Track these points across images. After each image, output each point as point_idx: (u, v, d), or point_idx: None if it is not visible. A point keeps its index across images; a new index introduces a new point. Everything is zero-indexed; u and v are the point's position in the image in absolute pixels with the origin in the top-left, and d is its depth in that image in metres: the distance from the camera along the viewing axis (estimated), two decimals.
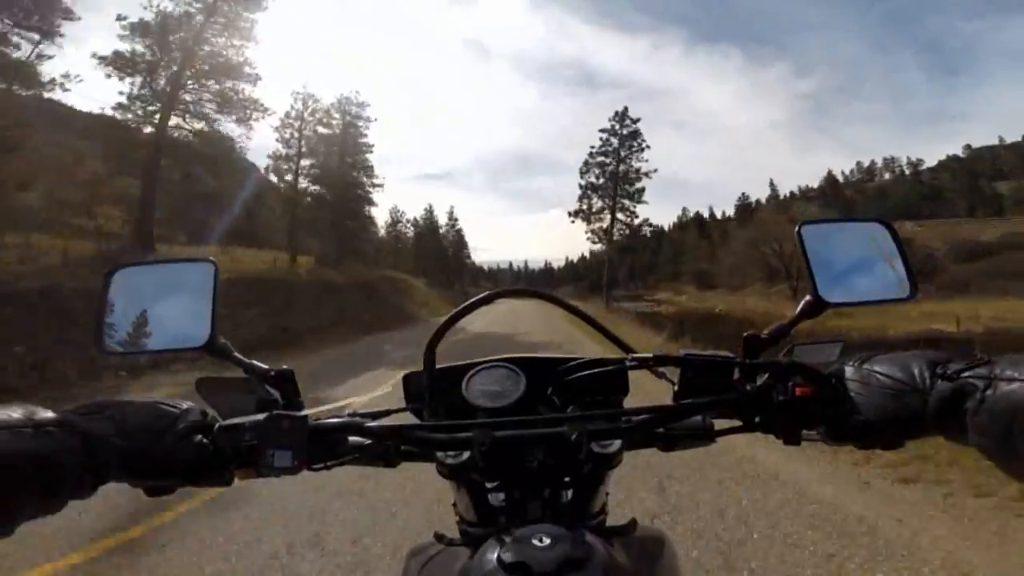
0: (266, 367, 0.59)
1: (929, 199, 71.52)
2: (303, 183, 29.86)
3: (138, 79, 18.69)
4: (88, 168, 22.00)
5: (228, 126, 20.92)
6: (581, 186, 42.32)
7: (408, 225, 70.71)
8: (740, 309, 35.78)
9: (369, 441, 0.55)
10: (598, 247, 46.45)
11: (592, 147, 42.85)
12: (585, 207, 42.02)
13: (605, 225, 41.32)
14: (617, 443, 0.58)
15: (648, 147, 41.86)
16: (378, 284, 27.40)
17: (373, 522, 2.91)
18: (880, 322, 22.71)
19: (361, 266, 30.94)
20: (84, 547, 2.65)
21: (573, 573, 0.42)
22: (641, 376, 0.64)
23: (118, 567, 2.49)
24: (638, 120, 42.26)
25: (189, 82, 19.61)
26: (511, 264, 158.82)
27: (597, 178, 42.31)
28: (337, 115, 32.28)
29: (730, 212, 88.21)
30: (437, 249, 70.93)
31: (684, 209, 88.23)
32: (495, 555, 0.44)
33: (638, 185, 41.22)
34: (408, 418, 0.68)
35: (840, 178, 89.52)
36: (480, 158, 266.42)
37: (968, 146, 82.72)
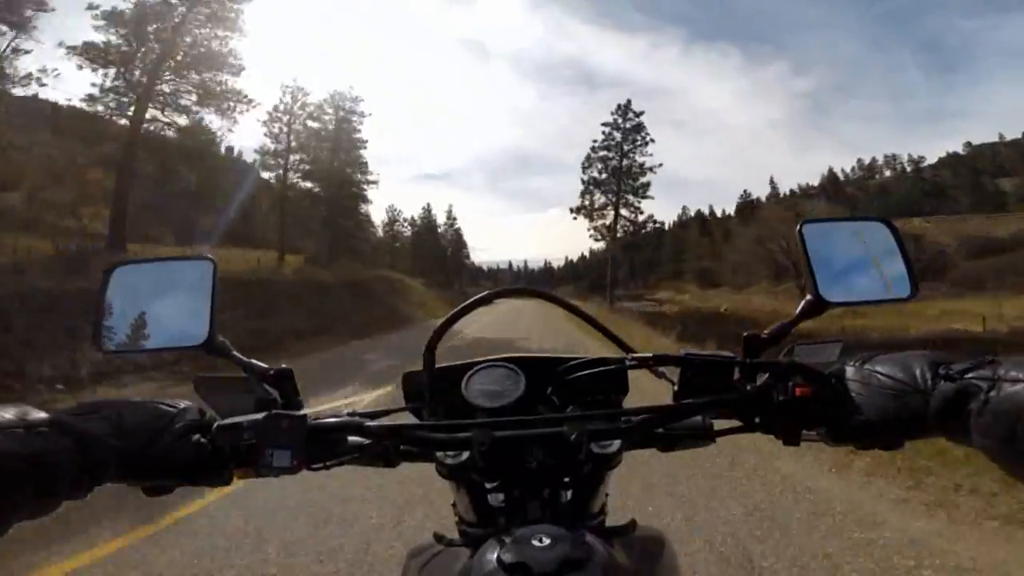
0: (265, 366, 0.59)
1: (931, 196, 71.44)
2: (293, 179, 28.67)
3: (112, 71, 17.69)
4: (64, 166, 20.69)
5: (211, 120, 20.27)
6: (583, 181, 40.90)
7: (405, 224, 69.44)
8: (746, 308, 34.62)
9: (368, 441, 0.55)
10: (600, 245, 44.90)
11: (594, 141, 41.44)
12: (587, 203, 40.48)
13: (608, 222, 39.82)
14: (617, 443, 0.58)
15: (652, 141, 40.50)
16: (371, 284, 26.20)
17: None
18: (899, 321, 22.12)
19: (354, 266, 29.87)
20: None
21: (573, 573, 0.42)
22: (641, 376, 0.64)
23: None
24: (641, 113, 40.93)
25: (168, 74, 18.78)
26: (511, 264, 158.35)
27: (600, 173, 40.86)
28: (330, 110, 31.20)
29: (730, 210, 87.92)
30: (435, 249, 69.63)
31: (684, 207, 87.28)
32: (495, 555, 0.44)
33: (643, 180, 39.90)
34: (408, 418, 0.67)
35: (840, 176, 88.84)
36: (479, 158, 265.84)
37: (968, 143, 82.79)
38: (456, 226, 79.07)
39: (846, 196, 77.29)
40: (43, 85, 16.10)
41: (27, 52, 15.59)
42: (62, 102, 18.26)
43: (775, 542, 2.56)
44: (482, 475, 0.58)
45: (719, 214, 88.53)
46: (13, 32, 15.10)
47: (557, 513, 0.56)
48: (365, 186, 34.49)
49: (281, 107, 27.44)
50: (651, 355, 0.61)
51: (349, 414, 0.56)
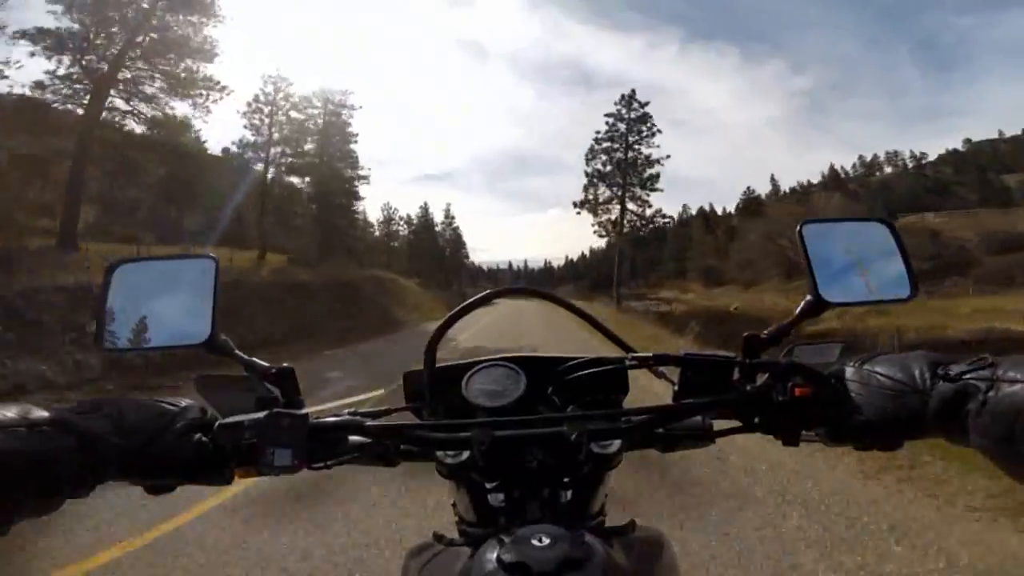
0: (267, 365, 0.59)
1: (934, 192, 70.64)
2: (274, 173, 26.74)
3: (67, 58, 16.17)
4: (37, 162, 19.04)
5: (184, 111, 19.11)
6: (586, 174, 38.71)
7: (401, 223, 67.25)
8: (757, 306, 32.56)
9: (369, 440, 0.55)
10: (604, 243, 42.79)
11: (597, 132, 39.19)
12: (591, 197, 38.27)
13: (613, 217, 37.74)
14: (617, 443, 0.58)
15: (659, 131, 38.18)
16: (360, 285, 24.22)
17: None
18: (931, 320, 21.11)
19: (344, 265, 28.01)
20: None
21: (572, 573, 0.42)
22: (640, 375, 0.65)
23: None
24: (647, 104, 38.40)
25: (135, 61, 17.50)
26: (511, 264, 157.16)
27: (604, 165, 38.52)
28: (319, 103, 29.30)
29: (731, 209, 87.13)
30: (433, 248, 67.38)
31: (685, 206, 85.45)
32: (495, 555, 0.44)
33: (651, 171, 37.50)
34: (408, 417, 0.67)
35: (840, 173, 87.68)
36: (479, 159, 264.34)
37: (968, 140, 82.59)
38: (454, 225, 76.92)
39: (848, 193, 75.91)
40: (4, 77, 14.80)
41: None
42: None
43: None
44: (482, 475, 0.58)
45: (719, 212, 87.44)
46: None
47: (557, 513, 0.56)
48: (357, 182, 32.62)
49: (262, 97, 25.60)
50: (651, 355, 0.61)
51: (350, 413, 0.56)
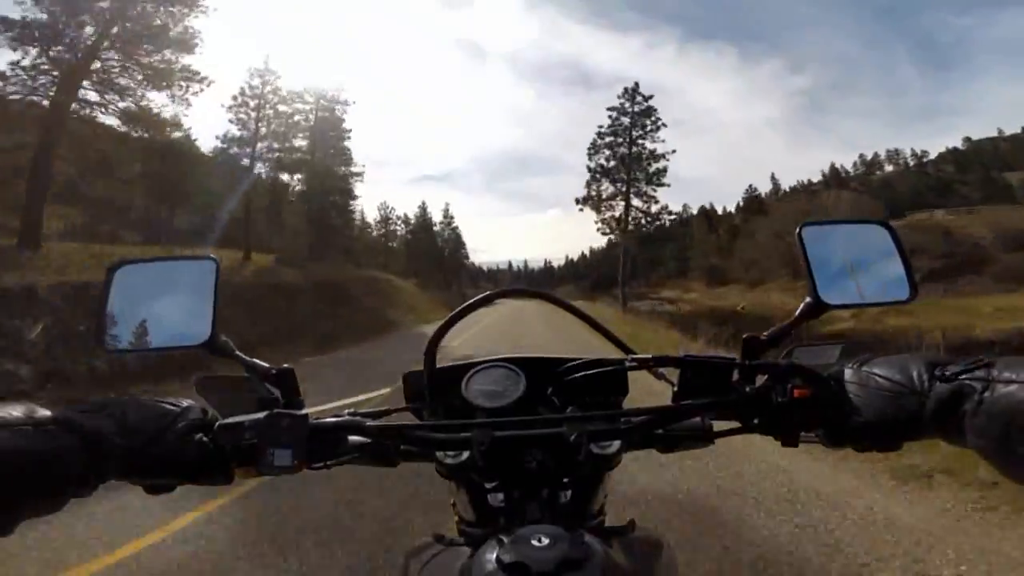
0: (267, 365, 0.59)
1: (936, 191, 70.38)
2: (267, 170, 25.51)
3: (33, 49, 15.14)
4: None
5: (162, 103, 17.48)
6: (589, 168, 36.22)
7: (399, 223, 65.42)
8: (765, 305, 31.34)
9: (369, 440, 0.56)
10: (605, 242, 41.25)
11: (600, 127, 36.76)
12: (594, 193, 35.84)
13: (617, 214, 35.26)
14: (616, 444, 0.58)
15: (664, 125, 35.82)
16: (351, 286, 22.92)
17: None
18: (954, 320, 20.74)
19: (337, 266, 26.77)
20: None
21: (572, 573, 0.42)
22: (641, 373, 0.64)
23: None
24: (651, 97, 36.09)
25: (108, 51, 15.77)
26: (511, 264, 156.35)
27: (607, 160, 36.10)
28: (310, 98, 28.13)
29: (731, 208, 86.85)
30: (432, 248, 65.89)
31: (685, 205, 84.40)
32: (494, 555, 0.44)
33: (657, 165, 35.14)
34: (408, 418, 0.68)
35: (841, 172, 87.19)
36: (478, 159, 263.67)
37: (968, 138, 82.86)
38: (453, 224, 75.17)
39: (850, 191, 74.97)
40: None
41: None
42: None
43: None
44: (482, 475, 0.58)
45: (719, 212, 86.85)
46: None
47: (556, 513, 0.56)
48: (352, 179, 31.48)
49: (248, 91, 24.35)
50: (651, 356, 0.61)
51: (350, 414, 0.56)
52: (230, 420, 0.51)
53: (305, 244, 27.89)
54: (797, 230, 0.61)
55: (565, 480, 0.58)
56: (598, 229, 36.27)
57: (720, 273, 57.72)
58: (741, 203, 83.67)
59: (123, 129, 18.10)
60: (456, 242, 75.50)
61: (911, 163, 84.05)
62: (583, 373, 0.65)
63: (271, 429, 0.50)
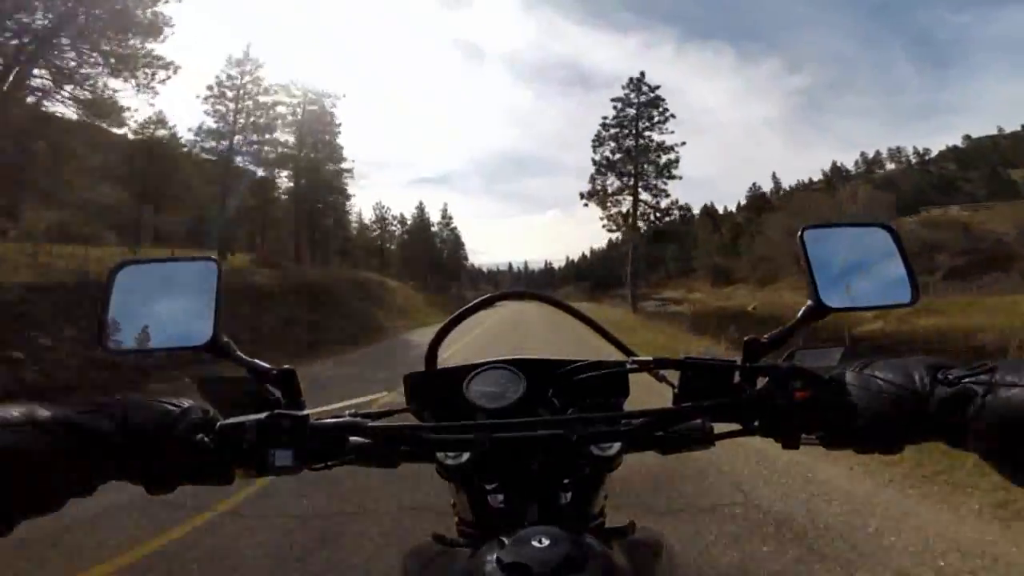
0: (268, 366, 0.59)
1: (939, 188, 69.80)
2: (240, 163, 23.70)
3: None
4: None
5: (123, 91, 16.48)
6: (594, 161, 34.12)
7: (395, 223, 62.89)
8: (777, 305, 29.37)
9: (369, 441, 0.55)
10: (606, 242, 39.00)
11: (604, 117, 34.58)
12: (599, 187, 33.63)
13: (624, 209, 33.21)
14: (616, 446, 0.58)
15: (673, 116, 33.31)
16: (337, 288, 21.02)
17: None
18: (993, 320, 18.31)
19: (321, 266, 24.89)
20: None
21: (572, 574, 0.42)
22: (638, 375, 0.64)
23: None
24: (657, 87, 33.60)
25: (61, 37, 14.97)
26: (511, 265, 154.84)
27: (612, 153, 33.83)
28: (298, 91, 26.43)
29: (731, 208, 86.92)
30: (429, 249, 63.73)
31: (687, 204, 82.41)
32: (494, 556, 0.44)
33: (668, 157, 32.77)
34: (408, 419, 0.68)
35: (841, 170, 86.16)
36: (477, 161, 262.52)
37: (968, 136, 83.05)
38: (452, 225, 72.66)
39: (864, 186, 73.62)
40: None
41: None
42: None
43: None
44: (482, 476, 0.58)
45: (720, 211, 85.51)
46: None
47: (557, 514, 0.56)
48: (343, 176, 29.68)
49: (227, 81, 22.53)
50: (651, 358, 0.61)
51: (351, 415, 0.56)
52: (231, 421, 0.51)
53: (291, 244, 26.08)
54: (799, 233, 0.61)
55: (565, 481, 0.58)
56: (604, 225, 34.44)
57: (725, 272, 55.95)
58: (743, 202, 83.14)
59: (79, 119, 16.54)
60: (455, 243, 73.59)
61: (913, 161, 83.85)
62: (584, 375, 0.65)
63: (272, 430, 0.49)
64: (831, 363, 0.55)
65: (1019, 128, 75.13)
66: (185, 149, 24.20)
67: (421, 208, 66.11)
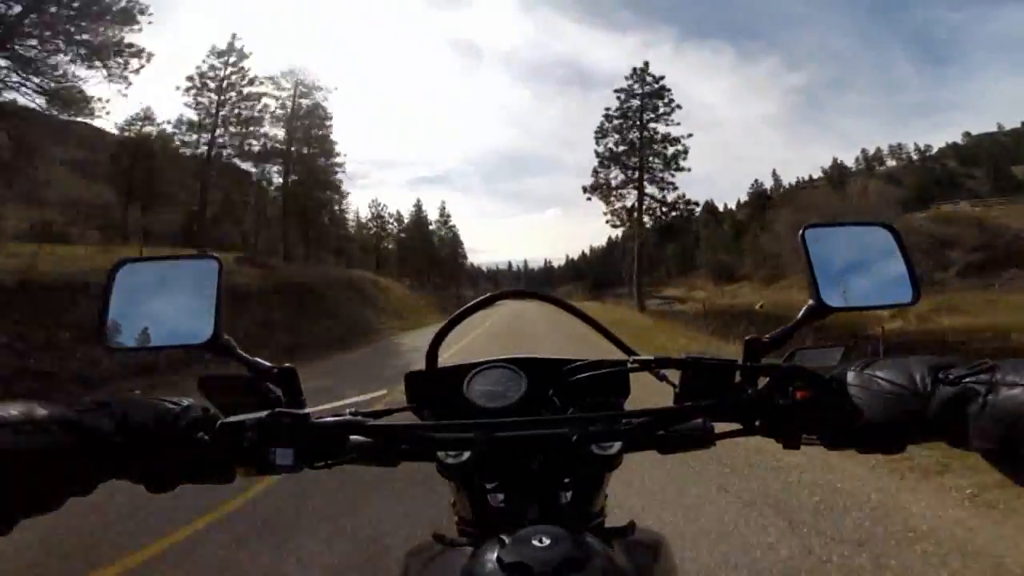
0: (269, 365, 0.59)
1: (941, 185, 68.18)
2: (224, 157, 22.44)
3: None
4: None
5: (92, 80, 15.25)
6: (597, 153, 32.23)
7: (391, 221, 60.53)
8: (784, 303, 28.26)
9: (370, 440, 0.56)
10: (605, 241, 37.62)
11: (607, 109, 32.70)
12: (603, 180, 31.84)
13: (629, 204, 31.44)
14: (617, 445, 0.58)
15: (679, 107, 31.42)
16: (327, 288, 19.86)
17: None
18: (1017, 318, 17.62)
19: (312, 264, 23.80)
20: None
21: (573, 574, 0.42)
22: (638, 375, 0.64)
23: None
24: (662, 77, 31.71)
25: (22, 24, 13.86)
26: (510, 264, 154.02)
27: (616, 145, 31.95)
28: (287, 84, 25.33)
29: (731, 206, 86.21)
30: (427, 248, 62.34)
31: (695, 201, 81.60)
32: (495, 555, 0.44)
33: (676, 148, 30.86)
34: (409, 417, 0.68)
35: (841, 168, 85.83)
36: (476, 160, 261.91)
37: (968, 133, 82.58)
38: (450, 224, 71.18)
39: (876, 180, 73.17)
40: None
41: None
42: None
43: None
44: (482, 475, 0.58)
45: (720, 209, 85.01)
46: None
47: (557, 514, 0.56)
48: (335, 171, 28.53)
49: (210, 72, 21.26)
50: (652, 357, 0.61)
51: (352, 413, 0.56)
52: (232, 419, 0.51)
53: (280, 241, 24.97)
54: (800, 232, 0.61)
55: (566, 481, 0.58)
56: (607, 220, 32.77)
57: (728, 270, 54.65)
58: (744, 200, 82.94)
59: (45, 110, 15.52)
60: (453, 242, 72.26)
61: (915, 158, 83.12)
62: (585, 374, 0.65)
63: (273, 428, 0.49)
64: (832, 363, 0.54)
65: (1019, 125, 74.82)
66: (175, 145, 23.13)
67: (419, 206, 64.32)
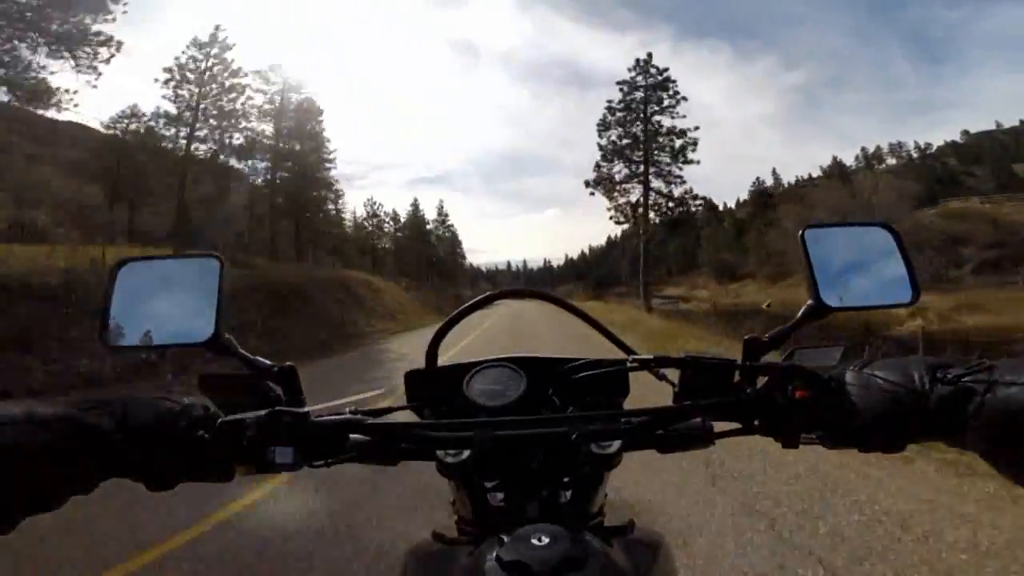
0: (269, 363, 0.59)
1: (942, 183, 68.26)
2: (203, 149, 21.39)
3: None
4: None
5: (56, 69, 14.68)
6: (600, 147, 31.01)
7: (387, 220, 59.21)
8: (792, 302, 26.89)
9: (370, 439, 0.56)
10: (605, 239, 36.38)
11: (610, 101, 31.54)
12: (605, 174, 30.46)
13: (634, 199, 30.07)
14: (616, 444, 0.58)
15: (685, 99, 30.00)
16: (314, 289, 18.83)
17: None
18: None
19: (301, 264, 22.75)
20: None
21: (572, 573, 0.42)
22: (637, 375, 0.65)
23: None
24: (666, 69, 30.35)
25: None
26: (510, 264, 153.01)
27: (619, 139, 30.54)
28: (276, 78, 24.35)
29: (731, 204, 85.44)
30: (425, 248, 61.20)
31: (704, 197, 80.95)
32: (494, 554, 0.44)
33: (684, 140, 29.40)
34: (409, 416, 0.68)
35: (841, 166, 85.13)
36: (475, 160, 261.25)
37: (966, 131, 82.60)
38: (449, 223, 69.95)
39: (888, 174, 72.73)
40: None
41: None
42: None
43: None
44: (482, 474, 0.58)
45: (720, 207, 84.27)
46: None
47: (556, 513, 0.56)
48: (327, 166, 27.48)
49: (190, 64, 20.13)
50: (652, 357, 0.61)
51: (351, 412, 0.56)
52: (232, 418, 0.51)
53: (269, 239, 23.98)
54: (800, 232, 0.61)
55: (565, 480, 0.58)
56: (611, 217, 31.26)
57: (730, 268, 53.58)
58: (744, 198, 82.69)
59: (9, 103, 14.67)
60: (452, 241, 71.15)
61: (915, 156, 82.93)
62: (584, 373, 0.66)
63: (273, 427, 0.50)
64: (831, 363, 0.55)
65: (1017, 123, 74.89)
66: (158, 141, 22.11)
67: (416, 205, 62.85)
